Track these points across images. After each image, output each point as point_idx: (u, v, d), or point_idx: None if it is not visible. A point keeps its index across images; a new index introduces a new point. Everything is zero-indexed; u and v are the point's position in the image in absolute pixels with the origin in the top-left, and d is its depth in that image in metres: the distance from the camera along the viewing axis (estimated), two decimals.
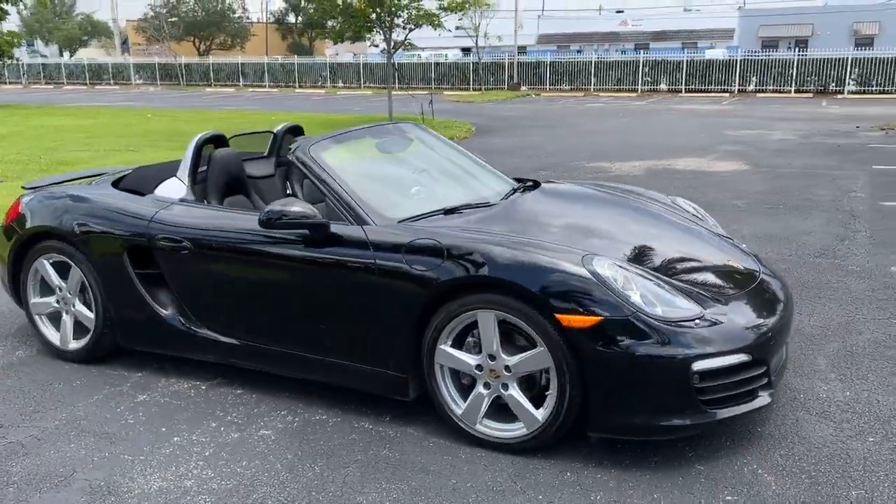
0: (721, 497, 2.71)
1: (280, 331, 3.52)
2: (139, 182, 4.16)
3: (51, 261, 4.09)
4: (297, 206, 3.28)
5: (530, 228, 3.40)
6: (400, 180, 3.98)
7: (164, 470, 3.00)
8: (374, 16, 17.77)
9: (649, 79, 34.33)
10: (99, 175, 4.88)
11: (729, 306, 3.03)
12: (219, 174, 4.07)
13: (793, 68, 31.21)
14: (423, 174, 4.01)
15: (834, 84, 30.59)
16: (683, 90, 33.16)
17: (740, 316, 3.00)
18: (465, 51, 47.01)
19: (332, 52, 51.73)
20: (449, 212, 3.51)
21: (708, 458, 2.96)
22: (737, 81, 32.29)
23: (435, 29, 17.63)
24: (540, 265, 2.89)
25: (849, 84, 30.28)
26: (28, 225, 4.10)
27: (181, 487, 2.88)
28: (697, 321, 2.85)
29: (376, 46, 19.53)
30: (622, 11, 65.75)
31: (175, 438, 3.26)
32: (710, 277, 3.33)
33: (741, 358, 2.84)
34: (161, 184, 4.02)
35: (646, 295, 2.86)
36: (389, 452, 3.09)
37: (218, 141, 4.25)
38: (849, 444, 3.04)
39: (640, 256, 3.32)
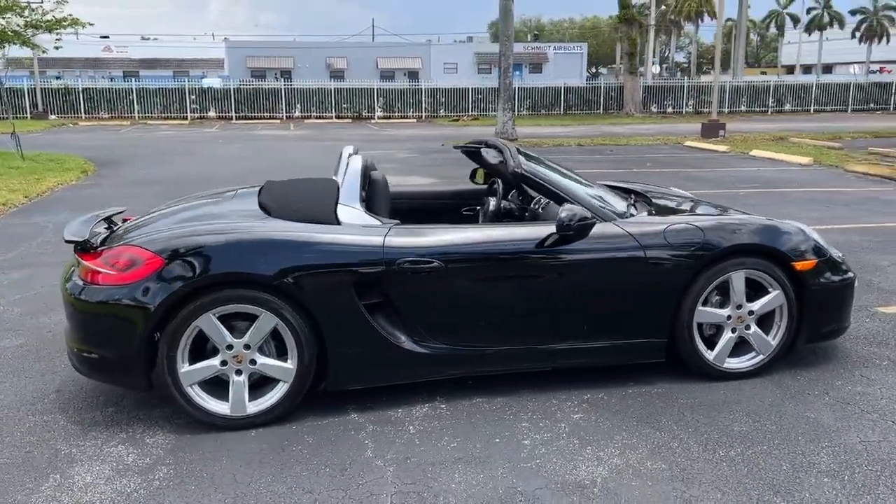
0: (876, 365, 4.22)
1: (543, 329, 3.81)
2: (300, 210, 3.76)
3: (218, 315, 3.45)
4: (570, 210, 3.69)
5: (692, 210, 4.39)
6: (577, 184, 4.44)
7: (596, 466, 3.20)
8: None
9: (197, 106, 34.29)
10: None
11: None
12: (383, 197, 4.00)
13: (331, 96, 34.83)
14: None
15: (366, 110, 35.17)
16: (234, 117, 34.05)
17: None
18: None
19: None
20: (632, 205, 4.28)
21: (845, 348, 4.43)
22: (284, 108, 34.56)
23: (32, 49, 15.28)
24: (778, 229, 4.01)
25: (377, 110, 35.17)
26: (191, 275, 3.37)
27: (631, 468, 3.16)
28: (837, 254, 4.29)
29: None
30: (108, 37, 63.05)
31: (525, 442, 3.38)
32: None
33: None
34: (338, 211, 3.76)
35: (819, 241, 4.19)
36: (687, 400, 3.79)
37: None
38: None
39: None
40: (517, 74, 61.46)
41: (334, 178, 4.89)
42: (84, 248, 3.62)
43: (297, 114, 34.74)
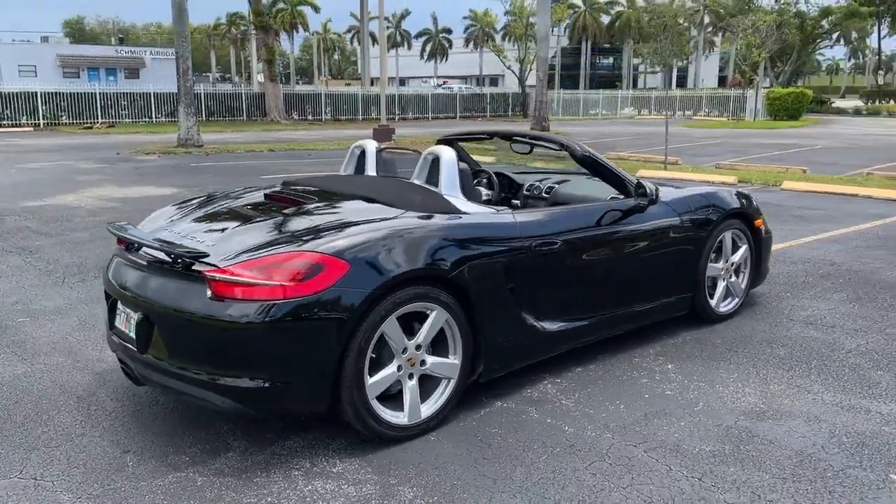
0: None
1: (618, 297, 4.18)
2: (422, 204, 3.53)
3: (396, 317, 3.14)
4: (648, 185, 4.22)
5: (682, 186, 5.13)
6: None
7: (746, 397, 3.69)
8: None
9: None
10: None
11: None
12: (472, 183, 3.94)
13: None
14: None
15: None
16: None
17: None
18: None
19: None
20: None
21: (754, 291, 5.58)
22: None
23: None
24: (746, 195, 4.96)
25: None
26: (381, 277, 3.00)
27: (772, 394, 3.74)
28: None
29: None
30: None
31: (668, 392, 3.74)
32: None
33: None
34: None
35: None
36: (720, 340, 4.50)
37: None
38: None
39: None
40: (111, 80, 56.79)
41: (342, 173, 4.58)
42: (205, 262, 2.97)
43: None
